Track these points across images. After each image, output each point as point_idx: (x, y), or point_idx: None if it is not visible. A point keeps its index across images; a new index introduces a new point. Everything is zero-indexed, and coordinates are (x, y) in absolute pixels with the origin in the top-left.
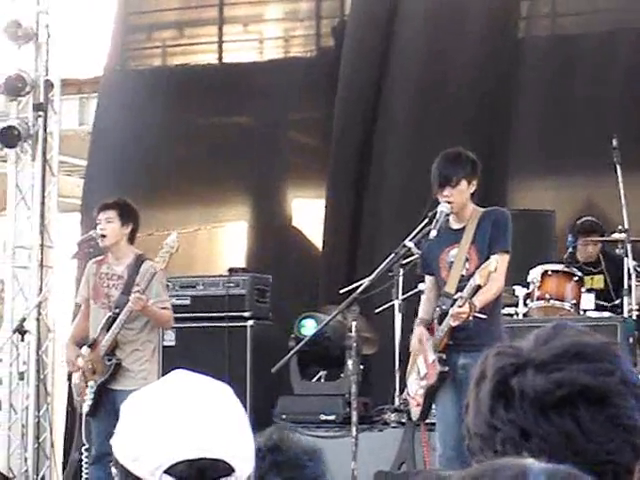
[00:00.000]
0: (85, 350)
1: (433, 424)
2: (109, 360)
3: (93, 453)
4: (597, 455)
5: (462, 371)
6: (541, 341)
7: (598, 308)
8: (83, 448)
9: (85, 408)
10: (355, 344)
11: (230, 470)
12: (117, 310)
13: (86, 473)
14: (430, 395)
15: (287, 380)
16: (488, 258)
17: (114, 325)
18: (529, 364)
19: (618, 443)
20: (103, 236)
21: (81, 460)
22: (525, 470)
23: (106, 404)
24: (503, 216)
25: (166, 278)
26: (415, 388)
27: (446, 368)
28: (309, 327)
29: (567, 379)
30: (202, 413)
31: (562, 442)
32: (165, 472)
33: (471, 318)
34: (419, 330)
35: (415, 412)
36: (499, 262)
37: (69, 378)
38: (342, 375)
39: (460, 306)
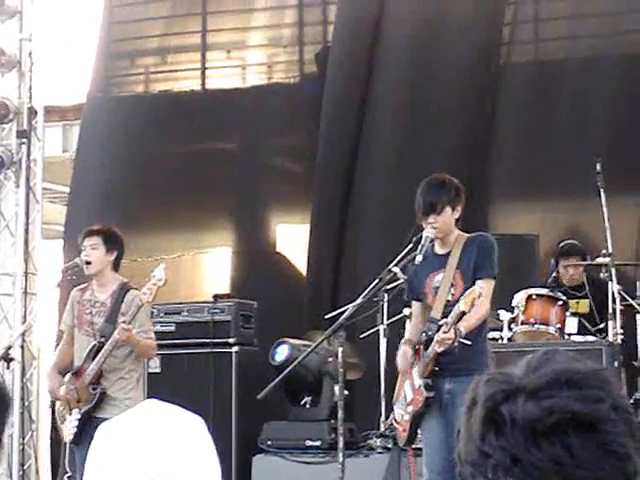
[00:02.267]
0: (68, 378)
1: (419, 449)
2: (94, 389)
3: None
4: None
5: (448, 396)
6: (532, 368)
7: (583, 332)
8: (66, 476)
9: (69, 436)
10: (341, 369)
11: None
12: (102, 339)
13: None
14: (416, 420)
15: (273, 406)
16: (474, 283)
17: (99, 354)
18: (520, 391)
19: (609, 470)
20: (88, 263)
21: None
22: None
23: (90, 432)
24: (488, 241)
25: (151, 306)
26: (401, 413)
27: (432, 394)
28: (282, 353)
29: (558, 406)
30: (156, 446)
31: (553, 469)
32: None
33: (456, 344)
34: (404, 348)
35: (401, 437)
36: (484, 287)
37: (52, 406)
38: (320, 401)
39: (445, 332)
